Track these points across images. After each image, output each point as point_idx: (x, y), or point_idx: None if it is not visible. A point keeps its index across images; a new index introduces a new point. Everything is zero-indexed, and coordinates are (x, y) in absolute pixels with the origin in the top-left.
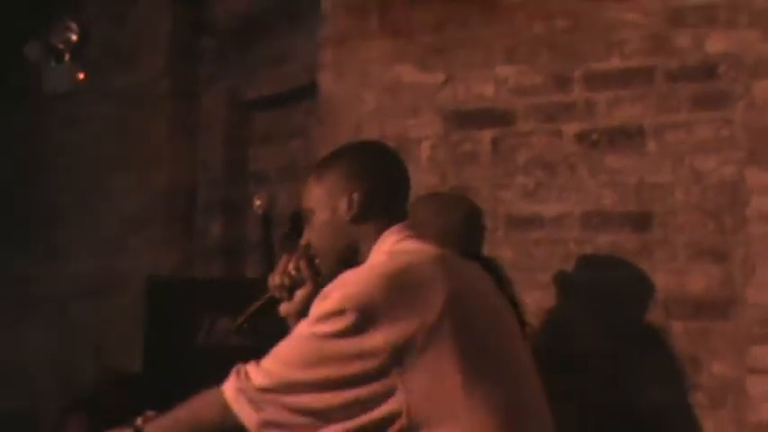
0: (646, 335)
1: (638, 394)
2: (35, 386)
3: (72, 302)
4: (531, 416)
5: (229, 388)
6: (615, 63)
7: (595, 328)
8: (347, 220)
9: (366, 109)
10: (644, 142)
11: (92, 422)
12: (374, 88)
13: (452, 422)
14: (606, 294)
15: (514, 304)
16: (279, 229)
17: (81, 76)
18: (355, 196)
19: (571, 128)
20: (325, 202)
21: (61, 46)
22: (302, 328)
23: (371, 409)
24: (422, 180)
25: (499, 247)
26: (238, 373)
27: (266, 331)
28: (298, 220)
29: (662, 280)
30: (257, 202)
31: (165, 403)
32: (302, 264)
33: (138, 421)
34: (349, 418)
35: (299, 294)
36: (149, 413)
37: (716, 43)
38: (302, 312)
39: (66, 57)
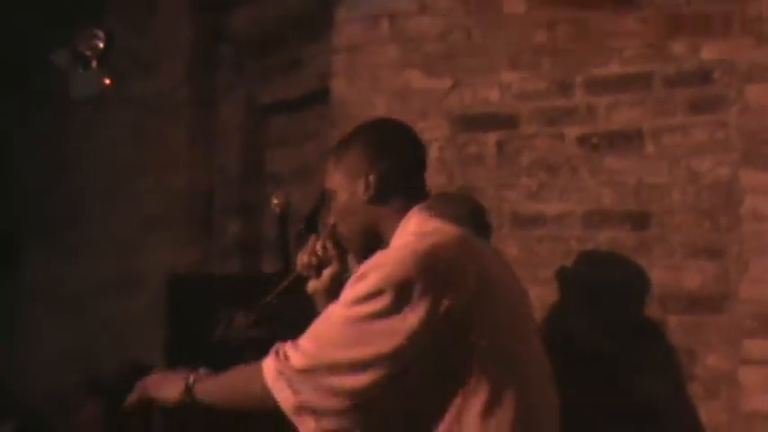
0: (643, 328)
1: (636, 385)
2: (60, 379)
3: (95, 299)
4: (538, 393)
5: (269, 368)
6: (615, 69)
7: (595, 322)
8: (365, 200)
9: (377, 113)
10: (642, 145)
11: (107, 408)
12: (384, 93)
13: (474, 396)
14: (606, 289)
15: None
16: (294, 228)
17: (107, 81)
18: (371, 178)
19: (573, 131)
20: (344, 184)
21: (88, 53)
22: (340, 309)
23: (407, 386)
24: (430, 180)
25: (504, 243)
26: (277, 353)
27: (283, 324)
28: (312, 219)
29: (659, 276)
30: (275, 201)
31: None
32: (328, 244)
33: (191, 379)
34: (384, 396)
35: (326, 273)
36: (202, 370)
37: (711, 50)
38: (329, 290)
39: (94, 63)
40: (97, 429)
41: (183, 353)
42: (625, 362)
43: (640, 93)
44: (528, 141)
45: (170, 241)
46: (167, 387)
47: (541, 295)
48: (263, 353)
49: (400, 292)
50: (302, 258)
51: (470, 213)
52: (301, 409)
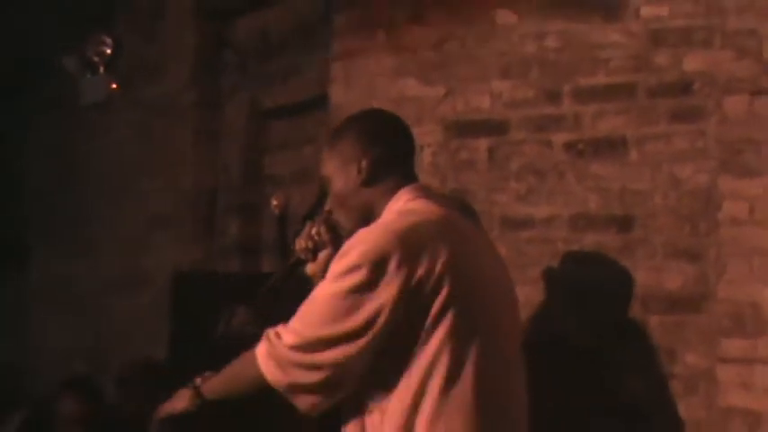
0: (625, 327)
1: (618, 382)
2: (68, 373)
3: (102, 296)
4: (502, 381)
5: (261, 353)
6: (601, 79)
7: (580, 320)
8: (359, 184)
9: None
10: (626, 152)
11: (88, 399)
12: (380, 100)
13: (435, 369)
14: (590, 289)
15: None
16: (292, 228)
17: (114, 86)
18: (364, 163)
19: (560, 138)
20: (338, 170)
21: (96, 59)
22: (324, 287)
23: (383, 354)
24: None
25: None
26: (268, 336)
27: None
28: (309, 220)
29: (641, 277)
30: (274, 203)
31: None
32: (323, 229)
33: (198, 381)
34: (363, 366)
35: (322, 256)
36: (207, 374)
37: (692, 62)
38: (324, 271)
39: (101, 69)
40: (78, 425)
41: (186, 348)
42: (608, 359)
43: (625, 102)
44: (517, 147)
45: (174, 240)
46: (177, 399)
47: (529, 295)
48: None
49: (376, 268)
50: (300, 243)
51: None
52: (293, 386)
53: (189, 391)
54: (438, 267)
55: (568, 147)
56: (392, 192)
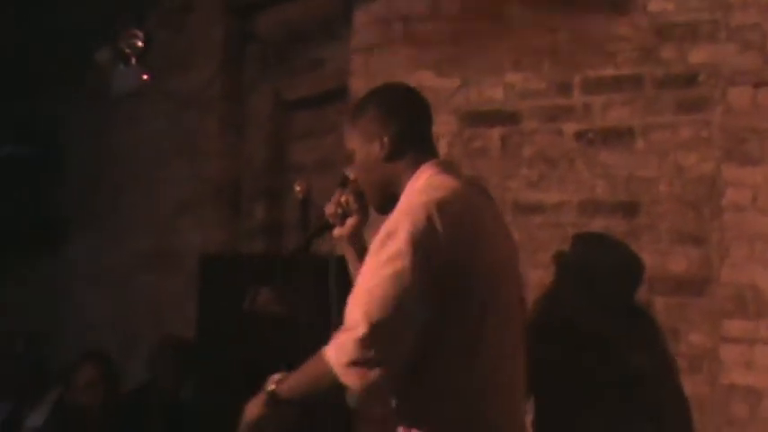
0: (632, 308)
1: (625, 361)
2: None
3: (135, 276)
4: (510, 361)
5: (338, 363)
6: (609, 71)
7: (588, 301)
8: (381, 159)
9: None
10: (633, 140)
11: (104, 369)
12: None
13: (458, 341)
14: (598, 272)
15: None
16: (314, 212)
17: (145, 77)
18: (385, 140)
19: (570, 127)
20: (360, 144)
21: (128, 51)
22: (373, 270)
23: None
24: None
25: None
26: (340, 346)
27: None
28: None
29: (647, 260)
30: (297, 188)
31: (214, 361)
32: (351, 197)
33: (271, 385)
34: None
35: (349, 222)
36: (276, 376)
37: (697, 55)
38: (351, 236)
39: (133, 61)
40: (96, 392)
41: (213, 325)
42: (616, 339)
43: (632, 93)
44: (529, 136)
45: (202, 224)
46: (252, 405)
47: (540, 277)
48: (283, 325)
49: (422, 249)
50: (329, 209)
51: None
52: (373, 386)
53: (263, 396)
54: (467, 241)
55: (578, 136)
56: (413, 165)
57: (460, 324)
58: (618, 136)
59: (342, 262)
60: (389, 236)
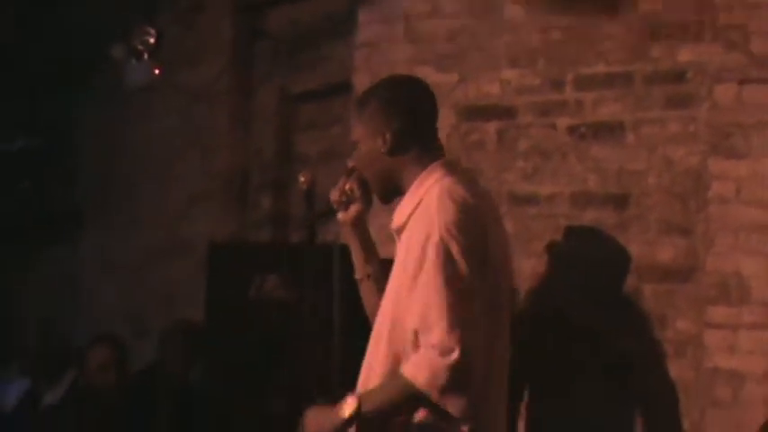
0: (621, 296)
1: (614, 346)
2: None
3: (147, 264)
4: (504, 352)
5: (434, 388)
6: (601, 68)
7: (579, 290)
8: (383, 153)
9: None
10: (624, 135)
11: (116, 350)
12: None
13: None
14: (589, 261)
15: None
16: (319, 203)
17: (157, 72)
18: (388, 136)
19: (563, 122)
20: (365, 137)
21: (141, 47)
22: (437, 282)
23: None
24: None
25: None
26: (434, 371)
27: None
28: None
29: (636, 250)
30: (302, 179)
31: (222, 345)
32: (354, 185)
33: (347, 410)
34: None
35: (353, 208)
36: (351, 399)
37: (685, 53)
38: (354, 222)
39: (145, 56)
40: (108, 374)
41: (221, 311)
42: (605, 325)
43: (623, 89)
44: (524, 130)
45: (211, 214)
46: (328, 423)
47: (534, 265)
48: (289, 311)
49: (475, 261)
50: (333, 195)
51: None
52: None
53: (338, 419)
54: (485, 236)
55: (571, 130)
56: (417, 161)
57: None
58: (609, 130)
59: (345, 251)
60: (439, 248)
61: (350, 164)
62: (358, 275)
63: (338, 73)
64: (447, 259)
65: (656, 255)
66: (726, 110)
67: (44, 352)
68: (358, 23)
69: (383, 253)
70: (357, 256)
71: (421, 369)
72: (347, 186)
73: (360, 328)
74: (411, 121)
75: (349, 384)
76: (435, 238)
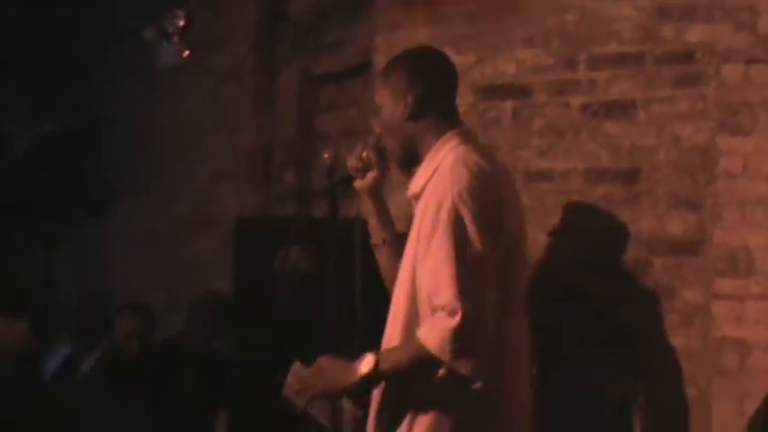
0: (632, 268)
1: (625, 316)
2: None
3: (176, 237)
4: (521, 323)
5: (443, 352)
6: (613, 48)
7: (592, 261)
8: (405, 118)
9: None
10: (635, 113)
11: (143, 319)
12: None
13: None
14: (602, 235)
15: None
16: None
17: (186, 53)
18: (410, 99)
19: (577, 100)
20: (387, 102)
21: (171, 30)
22: (446, 250)
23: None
24: None
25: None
26: (442, 334)
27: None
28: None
29: (646, 224)
30: (325, 156)
31: (248, 315)
32: (371, 153)
33: (364, 368)
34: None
35: (369, 176)
36: (369, 357)
37: (694, 34)
38: (370, 189)
39: (175, 39)
40: (135, 342)
41: (248, 282)
42: (617, 297)
43: (634, 69)
44: (539, 109)
45: (237, 190)
46: (343, 379)
47: (548, 238)
48: (312, 282)
49: (488, 229)
50: (350, 161)
51: None
52: (480, 366)
53: (355, 375)
54: (499, 205)
55: (584, 108)
56: (435, 128)
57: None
58: (620, 108)
59: (366, 224)
60: (452, 214)
61: (375, 129)
62: (374, 241)
63: (358, 55)
64: (458, 224)
65: (666, 228)
66: (733, 88)
67: (84, 321)
68: (377, 7)
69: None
70: (373, 223)
71: (433, 332)
72: (364, 154)
73: (381, 298)
74: (433, 89)
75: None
76: (448, 204)
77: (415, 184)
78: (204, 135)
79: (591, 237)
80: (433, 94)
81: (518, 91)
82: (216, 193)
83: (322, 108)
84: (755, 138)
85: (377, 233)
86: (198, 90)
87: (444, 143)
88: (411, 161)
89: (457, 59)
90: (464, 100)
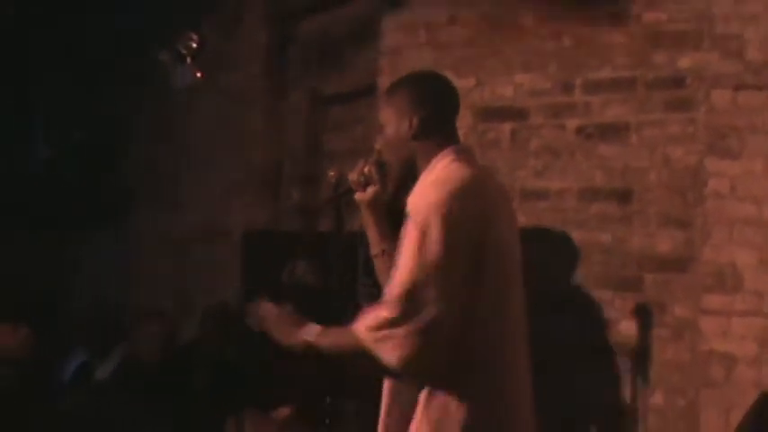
0: (624, 284)
1: (617, 330)
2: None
3: (189, 247)
4: (510, 337)
5: (370, 339)
6: (607, 73)
7: (585, 278)
8: (408, 137)
9: None
10: (628, 135)
11: (163, 328)
12: None
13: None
14: (595, 252)
15: None
16: (346, 196)
17: (199, 74)
18: (414, 120)
19: (572, 123)
20: (392, 120)
21: (185, 52)
22: (409, 253)
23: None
24: None
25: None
26: (380, 325)
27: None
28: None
29: (638, 241)
30: (330, 173)
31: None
32: (372, 168)
33: (307, 336)
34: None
35: (370, 190)
36: (316, 327)
37: (685, 60)
38: (370, 203)
39: (189, 60)
40: (155, 348)
41: (256, 294)
42: (609, 311)
43: (627, 93)
44: (535, 130)
45: (247, 204)
46: (288, 336)
47: (543, 255)
48: (317, 294)
49: (451, 235)
50: (352, 176)
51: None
52: (408, 359)
53: (301, 339)
54: (476, 228)
55: (579, 130)
56: (435, 148)
57: (482, 296)
58: (614, 131)
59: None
60: (420, 227)
61: (377, 145)
62: (373, 251)
63: (364, 77)
64: (424, 234)
65: (657, 246)
66: (722, 113)
67: (99, 327)
68: (382, 31)
69: None
70: (372, 234)
71: (365, 320)
72: (366, 169)
73: None
74: (437, 111)
75: None
76: (421, 216)
77: (410, 199)
78: (216, 151)
79: (584, 253)
80: (438, 116)
81: (516, 113)
82: (226, 207)
83: (329, 127)
84: (743, 160)
85: (375, 244)
86: (211, 109)
87: (439, 160)
88: (409, 178)
89: (457, 82)
90: (464, 122)
